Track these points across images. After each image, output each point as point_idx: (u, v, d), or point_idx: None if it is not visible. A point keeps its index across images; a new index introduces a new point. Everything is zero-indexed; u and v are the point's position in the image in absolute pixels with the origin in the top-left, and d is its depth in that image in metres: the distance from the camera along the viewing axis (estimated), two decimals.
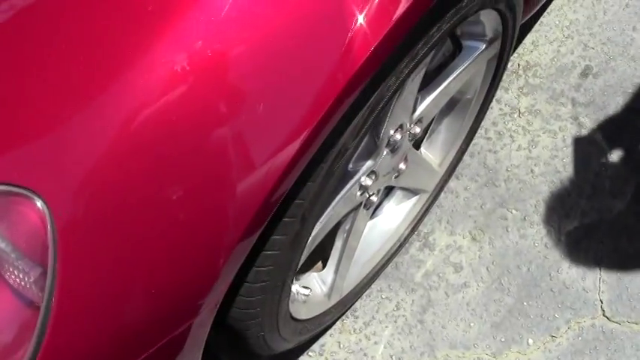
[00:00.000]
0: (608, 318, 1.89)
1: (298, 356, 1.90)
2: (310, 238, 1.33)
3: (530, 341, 1.89)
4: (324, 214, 1.34)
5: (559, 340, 1.88)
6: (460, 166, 1.99)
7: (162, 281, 1.06)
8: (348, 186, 1.43)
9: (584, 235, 1.97)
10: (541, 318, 1.90)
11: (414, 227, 1.91)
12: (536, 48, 2.16)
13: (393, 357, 1.89)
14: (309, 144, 1.05)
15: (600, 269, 1.93)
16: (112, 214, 0.98)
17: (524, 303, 1.92)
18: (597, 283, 1.92)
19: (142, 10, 0.97)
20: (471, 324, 1.91)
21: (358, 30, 1.03)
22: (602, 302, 1.91)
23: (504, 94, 2.10)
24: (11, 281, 1.00)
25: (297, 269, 1.39)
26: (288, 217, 1.18)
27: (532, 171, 2.03)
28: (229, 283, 1.16)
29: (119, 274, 1.02)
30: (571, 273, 1.94)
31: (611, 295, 1.90)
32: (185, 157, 0.99)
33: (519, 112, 2.09)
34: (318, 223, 1.32)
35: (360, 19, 1.02)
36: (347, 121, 1.15)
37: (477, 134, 1.96)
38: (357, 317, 1.93)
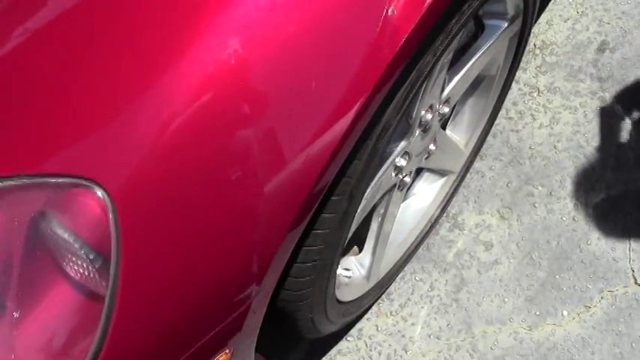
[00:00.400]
0: None
1: (337, 342, 1.93)
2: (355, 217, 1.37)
3: (565, 313, 1.92)
4: (367, 192, 1.38)
5: (593, 310, 1.91)
6: (484, 146, 2.03)
7: (223, 265, 1.09)
8: (384, 166, 1.46)
9: (610, 207, 2.00)
10: (574, 289, 1.94)
11: (444, 208, 1.94)
12: (551, 27, 2.20)
13: (431, 336, 1.92)
14: (357, 121, 1.09)
15: (629, 239, 1.96)
16: (171, 201, 1.01)
17: (556, 276, 1.95)
18: (627, 252, 1.95)
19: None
20: (505, 299, 1.94)
21: (399, 12, 1.06)
22: (633, 270, 1.94)
23: (522, 74, 2.14)
24: (73, 273, 1.01)
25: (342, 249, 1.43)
26: (336, 195, 1.21)
27: (555, 147, 2.07)
28: (285, 263, 1.20)
29: (180, 260, 1.04)
30: (600, 244, 1.97)
31: None
32: (239, 142, 1.02)
33: (539, 91, 2.13)
34: (362, 200, 1.36)
35: (398, 3, 1.06)
36: (389, 98, 1.19)
37: (498, 115, 1.99)
38: (392, 300, 1.97)
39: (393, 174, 1.54)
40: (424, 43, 1.18)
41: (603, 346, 1.88)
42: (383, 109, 1.19)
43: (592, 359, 1.87)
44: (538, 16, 2.21)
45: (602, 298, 1.93)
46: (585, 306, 1.92)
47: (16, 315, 1.00)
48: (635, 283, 1.93)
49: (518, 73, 2.13)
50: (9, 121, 1.03)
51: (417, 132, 1.52)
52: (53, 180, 0.99)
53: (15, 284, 1.01)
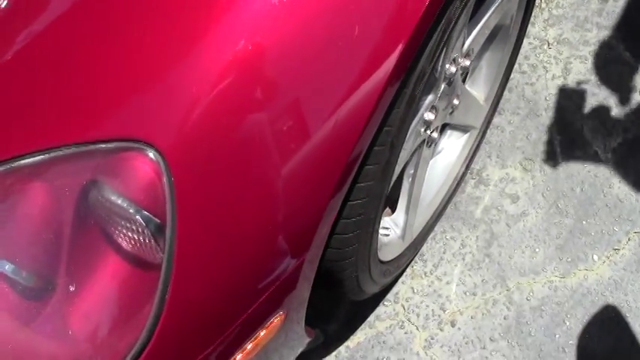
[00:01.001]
0: None
1: (375, 307, 1.96)
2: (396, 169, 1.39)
3: (595, 257, 1.95)
4: (405, 142, 1.39)
5: (622, 252, 1.94)
6: (502, 101, 2.05)
7: (276, 220, 1.09)
8: (415, 120, 1.48)
9: (628, 150, 2.03)
10: (602, 234, 1.96)
11: (468, 165, 1.97)
12: None
13: (467, 293, 1.95)
14: (397, 68, 1.11)
15: None
16: (222, 158, 1.00)
17: (583, 222, 1.98)
18: None
19: None
20: (536, 250, 1.97)
21: None
22: None
23: (531, 28, 2.16)
24: (127, 240, 0.99)
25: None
26: (378, 145, 1.23)
27: (570, 97, 2.09)
28: (334, 216, 1.22)
29: (233, 221, 1.04)
30: (622, 187, 2.00)
31: None
32: (284, 90, 1.02)
33: (548, 44, 2.15)
34: (402, 151, 1.38)
35: None
36: (423, 46, 1.21)
37: (512, 69, 2.02)
38: (425, 261, 1.99)
39: (422, 129, 1.57)
40: None
41: (635, 286, 1.91)
42: (418, 57, 1.21)
43: (625, 300, 1.89)
44: None
45: (629, 239, 1.96)
46: (614, 249, 1.95)
47: (72, 288, 0.99)
48: None
49: (528, 28, 2.15)
50: (51, 89, 1.02)
51: (443, 85, 1.54)
52: (103, 146, 0.97)
53: (68, 257, 1.00)
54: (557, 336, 1.88)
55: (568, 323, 1.89)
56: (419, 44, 1.14)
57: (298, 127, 1.05)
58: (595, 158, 2.02)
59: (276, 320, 1.25)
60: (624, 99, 2.07)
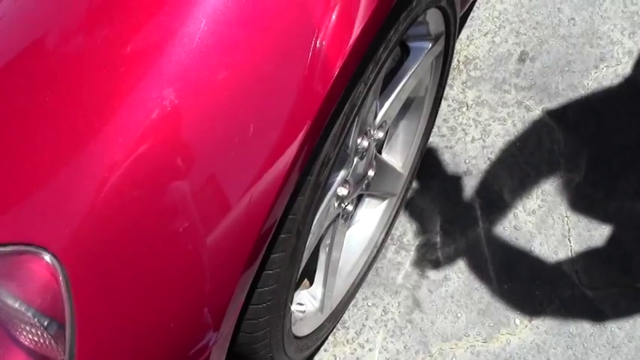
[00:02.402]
0: (585, 286, 1.96)
1: None
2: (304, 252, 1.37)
3: (517, 321, 1.95)
4: (313, 226, 1.38)
5: (543, 315, 1.94)
6: (420, 166, 2.05)
7: (179, 317, 1.08)
8: (327, 197, 1.46)
9: (548, 212, 2.04)
10: (523, 297, 1.96)
11: (388, 231, 1.96)
12: (472, 42, 2.24)
13: None
14: (297, 158, 1.09)
15: (570, 241, 2.00)
16: (119, 259, 0.99)
17: (505, 286, 1.98)
18: (569, 254, 1.99)
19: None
20: (459, 314, 1.96)
21: (328, 45, 1.07)
22: (577, 272, 1.98)
23: (450, 91, 2.17)
24: (27, 341, 0.99)
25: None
26: (284, 233, 1.21)
27: (489, 159, 2.10)
28: (240, 307, 1.19)
29: (135, 318, 1.03)
30: (543, 250, 2.01)
31: (584, 264, 1.98)
32: (180, 191, 1.01)
33: (467, 106, 2.16)
34: (310, 235, 1.36)
35: (326, 37, 1.06)
36: (326, 132, 1.19)
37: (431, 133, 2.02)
38: (347, 328, 1.97)
39: (336, 204, 1.55)
40: (355, 74, 1.19)
41: (557, 349, 1.91)
42: (321, 144, 1.20)
43: None
44: (458, 33, 2.25)
45: (550, 302, 1.96)
46: (536, 312, 1.95)
47: None
48: (580, 283, 1.97)
49: (446, 90, 2.17)
50: None
51: (355, 160, 1.53)
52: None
53: None
54: None
55: None
56: (321, 130, 1.12)
57: (195, 225, 1.04)
58: (515, 222, 2.03)
59: None
60: (543, 161, 2.08)
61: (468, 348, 1.92)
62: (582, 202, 2.04)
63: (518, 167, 2.08)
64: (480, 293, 1.97)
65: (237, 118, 1.03)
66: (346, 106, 1.22)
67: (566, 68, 2.18)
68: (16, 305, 0.97)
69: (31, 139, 0.99)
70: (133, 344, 1.05)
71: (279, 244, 1.22)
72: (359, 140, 1.51)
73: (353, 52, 1.09)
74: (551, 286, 1.97)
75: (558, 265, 1.99)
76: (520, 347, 1.91)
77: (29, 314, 0.97)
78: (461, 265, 2.00)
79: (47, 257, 0.96)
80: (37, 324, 0.97)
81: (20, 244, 0.96)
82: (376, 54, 1.24)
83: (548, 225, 2.02)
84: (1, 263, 0.98)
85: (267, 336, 1.37)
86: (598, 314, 1.93)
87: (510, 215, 2.04)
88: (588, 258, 1.98)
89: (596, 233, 2.01)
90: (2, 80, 1.03)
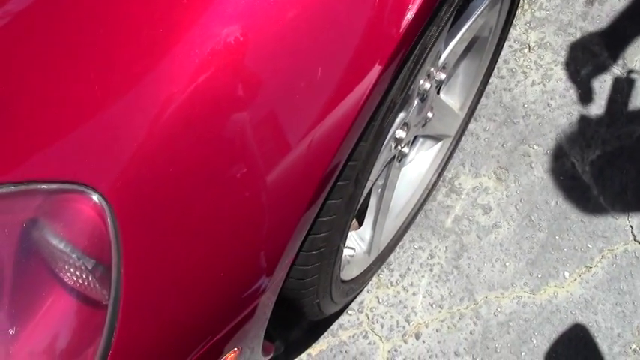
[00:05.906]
0: (639, 242, 1.90)
1: (339, 316, 1.90)
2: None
3: (567, 274, 1.89)
4: (373, 173, 1.32)
5: (594, 270, 1.89)
6: (478, 107, 1.98)
7: (230, 262, 1.04)
8: (385, 141, 1.41)
9: (606, 163, 1.97)
10: (574, 250, 1.91)
11: (440, 173, 1.90)
12: None
13: (433, 305, 1.89)
14: (365, 103, 1.03)
15: (627, 195, 1.93)
16: (170, 200, 0.95)
17: (556, 237, 1.92)
18: (625, 209, 1.92)
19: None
20: (507, 263, 1.91)
21: None
22: (632, 227, 1.91)
23: (512, 31, 2.08)
24: (71, 282, 0.96)
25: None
26: (342, 180, 1.16)
27: (549, 105, 2.02)
28: (295, 253, 1.15)
29: (184, 260, 0.99)
30: (599, 202, 1.94)
31: None
32: (238, 129, 0.96)
33: (529, 47, 2.07)
34: (368, 182, 1.31)
35: None
36: (394, 76, 1.13)
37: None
38: (392, 270, 1.93)
39: (393, 146, 1.49)
40: (430, 16, 1.12)
41: (606, 305, 1.86)
42: (388, 89, 1.13)
43: (595, 319, 1.85)
44: None
45: (602, 257, 1.90)
46: (586, 266, 1.90)
47: (12, 332, 0.95)
48: (635, 240, 1.91)
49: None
50: None
51: (416, 102, 1.47)
52: (44, 186, 0.93)
53: (9, 299, 0.95)
54: (523, 354, 1.83)
55: (535, 341, 1.84)
56: (392, 74, 1.06)
57: (252, 166, 0.99)
58: (572, 171, 1.96)
59: (230, 356, 1.19)
60: (604, 109, 2.00)
61: (514, 298, 1.88)
62: None
63: (578, 115, 2.00)
64: (530, 243, 1.92)
65: (306, 59, 0.97)
66: (417, 49, 1.15)
67: (636, 13, 2.07)
68: (61, 246, 0.94)
69: (83, 72, 0.94)
70: (182, 288, 1.01)
71: (337, 191, 1.17)
72: (421, 82, 1.44)
73: None
74: (605, 240, 1.91)
75: (613, 219, 1.92)
76: (567, 301, 1.87)
77: (74, 256, 0.94)
78: (512, 212, 1.95)
79: (95, 197, 0.92)
80: (83, 266, 0.94)
81: (67, 182, 0.92)
82: None
83: (605, 177, 1.95)
84: (47, 202, 0.93)
85: (316, 282, 1.33)
86: None
87: (567, 164, 1.97)
88: None
89: None
90: (52, 13, 0.98)
